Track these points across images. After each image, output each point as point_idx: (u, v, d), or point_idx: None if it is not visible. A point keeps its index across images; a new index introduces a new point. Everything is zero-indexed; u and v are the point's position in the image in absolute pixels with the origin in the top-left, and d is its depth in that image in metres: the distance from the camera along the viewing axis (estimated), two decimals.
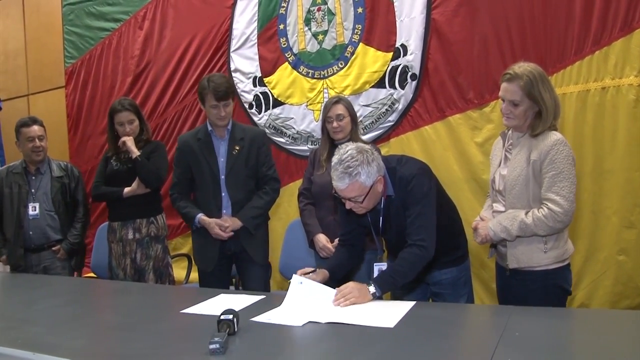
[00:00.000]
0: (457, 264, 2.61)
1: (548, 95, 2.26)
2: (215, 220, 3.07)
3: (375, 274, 2.49)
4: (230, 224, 3.06)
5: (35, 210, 3.70)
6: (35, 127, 3.74)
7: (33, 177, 3.78)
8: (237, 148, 3.14)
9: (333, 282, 2.43)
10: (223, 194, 3.13)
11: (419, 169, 2.42)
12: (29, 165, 3.79)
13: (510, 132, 2.43)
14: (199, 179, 3.17)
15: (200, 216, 3.11)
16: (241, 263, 3.23)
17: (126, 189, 3.56)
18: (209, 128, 3.17)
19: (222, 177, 3.13)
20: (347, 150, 2.27)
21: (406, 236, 2.35)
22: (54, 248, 3.72)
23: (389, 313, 2.06)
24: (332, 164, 2.27)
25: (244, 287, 3.26)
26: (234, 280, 3.69)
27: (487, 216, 2.49)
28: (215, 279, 3.16)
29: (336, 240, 3.00)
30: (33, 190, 3.74)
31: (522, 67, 2.29)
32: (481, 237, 2.41)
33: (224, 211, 3.13)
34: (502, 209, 2.38)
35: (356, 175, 2.21)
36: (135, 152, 3.49)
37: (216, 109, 3.06)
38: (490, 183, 2.53)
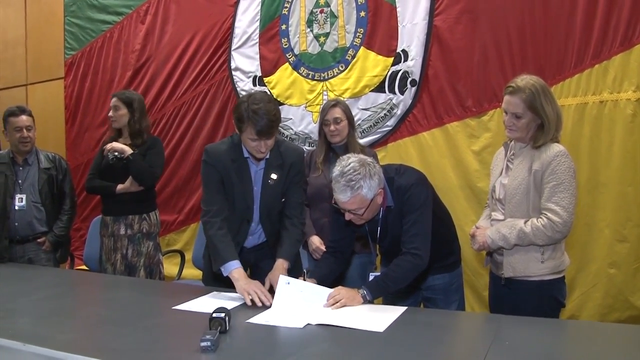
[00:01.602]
0: (449, 270, 2.63)
1: (550, 108, 2.27)
2: (253, 287, 2.40)
3: None
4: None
5: (21, 201, 3.65)
6: (24, 117, 3.69)
7: (20, 168, 3.73)
8: (274, 177, 2.67)
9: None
10: (253, 225, 2.73)
11: (417, 179, 2.43)
12: (16, 155, 3.74)
13: (512, 142, 2.45)
14: (229, 202, 2.69)
15: (236, 268, 2.50)
16: (258, 270, 2.81)
17: (119, 186, 3.53)
18: (245, 154, 2.64)
19: (255, 207, 2.70)
20: (349, 162, 2.26)
21: (401, 244, 2.36)
22: (39, 240, 3.69)
23: (379, 317, 2.06)
24: (334, 175, 2.27)
25: None
26: None
27: (484, 225, 2.49)
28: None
29: None
30: (20, 181, 3.70)
31: (524, 80, 2.30)
32: (479, 244, 2.41)
33: (249, 237, 2.76)
34: (501, 217, 2.39)
35: (358, 189, 2.22)
36: (128, 151, 3.47)
37: (256, 142, 2.48)
38: (490, 192, 2.54)
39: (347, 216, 2.33)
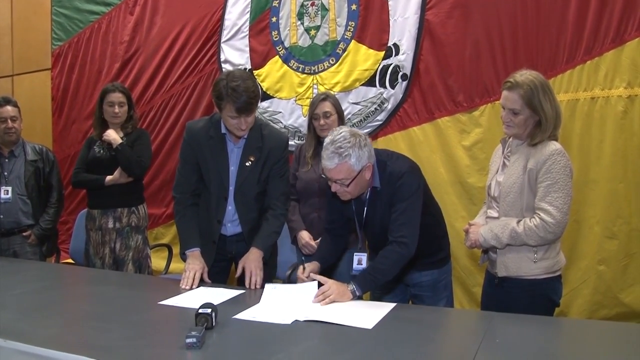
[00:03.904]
0: (438, 267, 2.61)
1: (549, 105, 2.23)
2: (192, 268, 2.58)
3: (355, 263, 2.50)
4: (257, 273, 2.53)
5: (7, 194, 3.62)
6: (9, 108, 3.64)
7: (6, 160, 3.69)
8: (252, 159, 2.65)
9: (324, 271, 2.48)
10: (229, 207, 2.72)
11: (410, 167, 2.41)
12: (2, 147, 3.70)
13: (510, 139, 2.41)
14: (206, 182, 2.72)
15: (193, 250, 2.66)
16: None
17: (108, 178, 3.49)
18: (223, 130, 2.64)
19: (230, 188, 2.69)
20: (340, 132, 2.27)
21: (388, 233, 2.34)
22: (24, 233, 3.66)
23: (368, 314, 2.04)
24: (324, 144, 2.28)
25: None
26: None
27: (479, 222, 2.47)
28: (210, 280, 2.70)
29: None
30: (6, 174, 3.66)
31: (523, 76, 2.25)
32: (471, 241, 2.38)
33: (228, 225, 2.74)
34: (496, 215, 2.36)
35: (346, 157, 2.21)
36: (117, 141, 3.43)
37: (236, 120, 2.48)
38: (486, 189, 2.50)
39: (334, 187, 2.31)
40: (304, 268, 2.42)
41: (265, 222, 2.71)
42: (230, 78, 2.44)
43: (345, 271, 3.00)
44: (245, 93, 2.41)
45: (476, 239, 2.34)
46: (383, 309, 2.12)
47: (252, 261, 2.58)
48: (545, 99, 2.22)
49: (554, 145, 2.22)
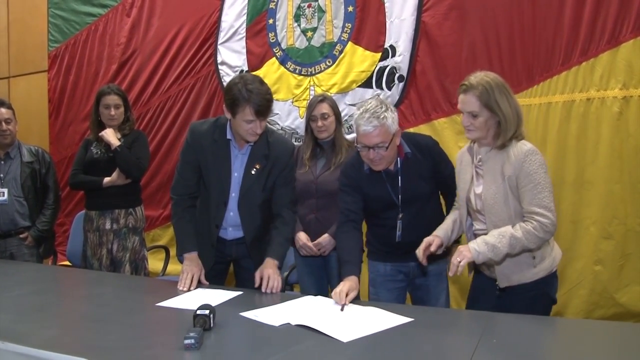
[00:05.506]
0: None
1: (506, 104, 2.20)
2: (190, 270, 2.57)
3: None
4: (274, 278, 2.47)
5: (3, 195, 3.61)
6: (2, 110, 3.64)
7: (2, 162, 3.69)
8: (258, 167, 2.60)
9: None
10: (231, 214, 2.66)
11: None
12: None
13: (475, 145, 2.37)
14: (207, 185, 2.67)
15: (191, 252, 2.65)
16: (240, 269, 2.85)
17: (106, 179, 3.49)
18: (229, 135, 2.59)
19: (233, 194, 2.64)
20: (369, 101, 2.44)
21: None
22: (21, 235, 3.65)
23: (361, 326, 1.95)
24: (357, 116, 2.42)
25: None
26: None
27: (440, 235, 2.41)
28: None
29: (325, 235, 3.02)
30: (2, 175, 3.66)
31: (477, 77, 2.23)
32: (466, 258, 2.14)
33: (229, 229, 2.70)
34: (484, 227, 2.31)
35: (384, 119, 2.35)
36: (116, 143, 3.43)
37: (252, 124, 2.43)
38: (464, 201, 2.41)
39: (371, 154, 2.41)
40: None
41: (275, 231, 2.67)
42: (244, 81, 2.41)
43: (335, 265, 3.02)
44: (262, 94, 2.40)
45: (469, 256, 2.15)
46: (384, 322, 2.01)
47: (268, 268, 2.50)
48: (502, 98, 2.20)
49: (525, 146, 2.20)
